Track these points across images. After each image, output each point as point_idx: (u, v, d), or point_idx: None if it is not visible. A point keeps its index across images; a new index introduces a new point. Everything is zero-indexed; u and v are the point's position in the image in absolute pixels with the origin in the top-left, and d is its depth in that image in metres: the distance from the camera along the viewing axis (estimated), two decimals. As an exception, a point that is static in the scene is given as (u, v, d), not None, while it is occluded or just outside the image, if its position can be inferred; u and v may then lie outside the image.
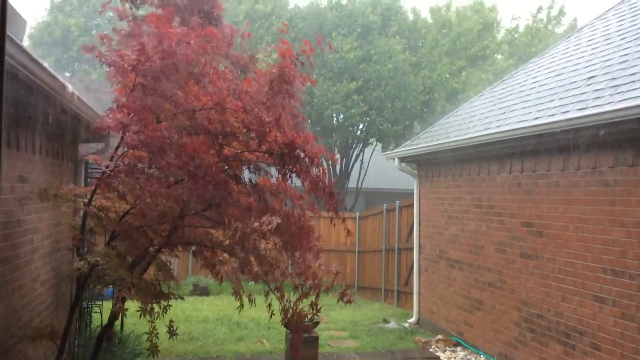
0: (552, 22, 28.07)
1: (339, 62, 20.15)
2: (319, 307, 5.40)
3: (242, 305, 5.32)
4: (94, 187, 5.20)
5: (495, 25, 24.51)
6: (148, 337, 5.05)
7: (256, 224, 4.77)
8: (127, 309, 5.02)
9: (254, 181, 5.60)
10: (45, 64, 4.49)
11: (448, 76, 21.29)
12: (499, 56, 24.53)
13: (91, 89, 15.50)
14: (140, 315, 4.95)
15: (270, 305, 5.41)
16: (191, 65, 4.95)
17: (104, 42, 5.38)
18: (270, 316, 5.50)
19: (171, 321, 5.27)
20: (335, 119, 21.13)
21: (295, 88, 5.20)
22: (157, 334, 5.05)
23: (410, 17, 23.29)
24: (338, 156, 21.94)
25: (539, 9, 29.15)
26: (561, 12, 28.72)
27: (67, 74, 21.81)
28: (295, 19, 21.08)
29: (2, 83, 1.42)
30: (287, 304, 5.41)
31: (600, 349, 6.33)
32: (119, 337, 8.24)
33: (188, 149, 4.70)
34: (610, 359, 6.16)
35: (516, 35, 26.62)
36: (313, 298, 5.39)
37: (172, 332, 5.23)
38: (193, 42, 4.92)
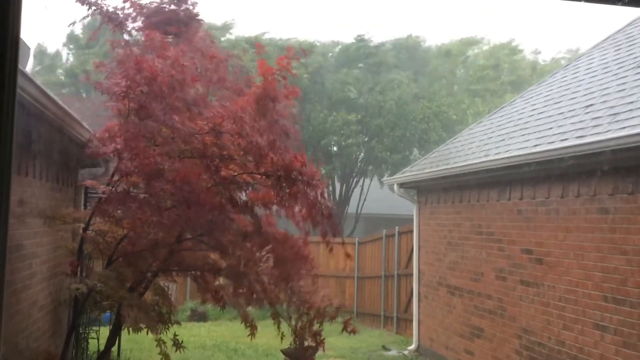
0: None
1: (340, 93, 20.31)
2: (322, 338, 5.43)
3: (253, 333, 5.37)
4: (91, 213, 5.21)
5: (507, 64, 24.09)
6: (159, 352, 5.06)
7: (258, 254, 4.80)
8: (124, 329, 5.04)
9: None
10: (48, 90, 4.53)
11: (447, 108, 21.31)
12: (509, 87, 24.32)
13: (97, 113, 15.49)
14: (141, 333, 4.97)
15: (279, 326, 5.47)
16: (179, 88, 4.94)
17: (100, 70, 5.42)
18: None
19: (175, 335, 5.27)
20: (335, 146, 21.17)
21: (281, 104, 5.25)
22: (165, 343, 5.07)
23: (434, 49, 23.22)
24: (338, 184, 22.02)
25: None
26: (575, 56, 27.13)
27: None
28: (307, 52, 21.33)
29: (13, 113, 1.43)
30: (298, 325, 5.46)
31: (602, 378, 6.26)
32: (116, 363, 8.15)
33: (179, 174, 4.71)
34: (612, 388, 6.09)
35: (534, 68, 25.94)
36: (317, 326, 5.41)
37: (178, 345, 5.22)
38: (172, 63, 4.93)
